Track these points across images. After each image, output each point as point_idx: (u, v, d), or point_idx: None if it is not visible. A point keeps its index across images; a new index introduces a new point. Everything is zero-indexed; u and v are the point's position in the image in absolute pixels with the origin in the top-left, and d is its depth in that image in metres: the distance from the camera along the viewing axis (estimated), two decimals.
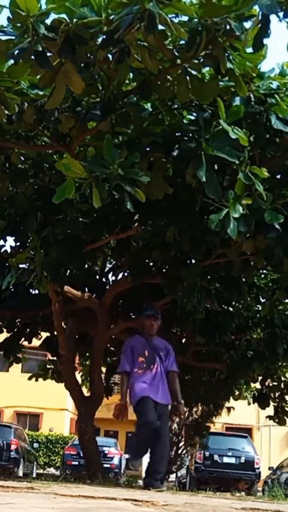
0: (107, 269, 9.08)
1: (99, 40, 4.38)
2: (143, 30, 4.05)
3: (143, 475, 6.23)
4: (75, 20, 4.18)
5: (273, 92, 5.25)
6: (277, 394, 11.14)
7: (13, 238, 7.84)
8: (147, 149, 5.61)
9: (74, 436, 21.12)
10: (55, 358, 10.77)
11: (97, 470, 7.63)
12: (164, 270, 7.80)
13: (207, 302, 7.47)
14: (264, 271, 8.61)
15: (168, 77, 5.01)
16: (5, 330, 9.84)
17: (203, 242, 6.44)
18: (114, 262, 8.85)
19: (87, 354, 10.57)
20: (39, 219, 6.79)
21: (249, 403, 12.46)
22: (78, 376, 10.13)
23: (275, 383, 11.05)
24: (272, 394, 11.12)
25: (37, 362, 14.34)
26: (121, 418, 6.28)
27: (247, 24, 4.22)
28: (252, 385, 11.87)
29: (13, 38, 4.28)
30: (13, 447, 14.96)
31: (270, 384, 11.09)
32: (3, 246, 7.96)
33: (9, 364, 11.06)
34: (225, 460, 15.33)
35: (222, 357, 9.59)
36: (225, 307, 8.82)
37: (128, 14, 3.97)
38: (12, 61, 4.47)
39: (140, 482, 7.69)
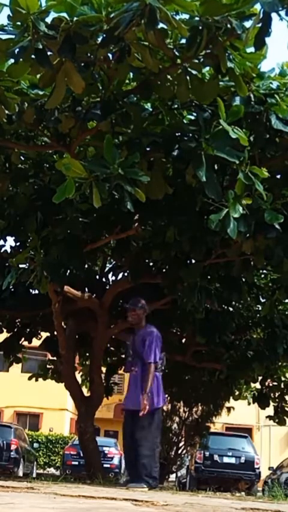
0: (107, 269, 9.08)
1: (100, 39, 4.38)
2: (144, 27, 4.05)
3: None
4: (75, 19, 4.18)
5: (273, 92, 5.25)
6: (277, 394, 11.14)
7: (13, 238, 7.84)
8: (147, 149, 5.61)
9: (74, 436, 21.11)
10: (55, 358, 10.77)
11: (97, 470, 7.63)
12: (164, 270, 7.80)
13: (207, 302, 7.46)
14: (264, 271, 8.62)
15: (169, 76, 5.01)
16: (5, 330, 9.85)
17: (203, 242, 6.43)
18: (114, 262, 8.85)
19: (87, 354, 10.57)
20: (39, 219, 6.79)
21: (249, 403, 12.46)
22: (78, 376, 10.13)
23: (275, 383, 11.05)
24: (272, 394, 11.12)
25: (37, 362, 14.34)
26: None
27: (248, 24, 4.21)
28: (252, 385, 11.87)
29: (13, 36, 4.28)
30: (13, 447, 14.95)
31: (270, 384, 11.09)
32: (3, 246, 7.97)
33: (9, 364, 11.07)
34: (225, 460, 15.31)
35: (222, 357, 9.58)
36: (225, 307, 8.82)
37: (128, 10, 3.97)
38: (12, 60, 4.47)
39: None
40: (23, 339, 10.24)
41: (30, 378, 11.99)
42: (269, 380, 10.99)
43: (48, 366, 11.80)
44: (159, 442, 6.17)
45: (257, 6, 4.06)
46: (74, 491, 4.36)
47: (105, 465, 11.63)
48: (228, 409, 13.82)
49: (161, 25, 4.18)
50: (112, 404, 27.07)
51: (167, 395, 12.72)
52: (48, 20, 4.25)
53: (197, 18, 4.20)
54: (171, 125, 5.62)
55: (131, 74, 5.30)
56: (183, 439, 13.62)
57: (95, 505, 3.50)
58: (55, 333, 9.00)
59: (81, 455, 10.54)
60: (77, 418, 9.39)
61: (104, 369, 10.55)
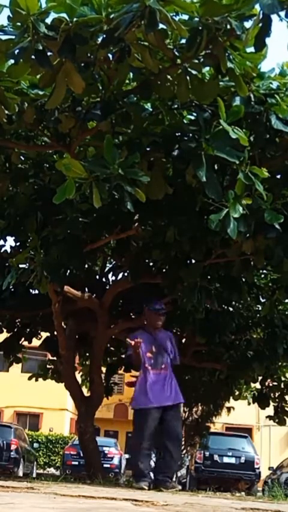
0: (107, 269, 9.07)
1: (100, 39, 4.38)
2: (144, 28, 4.05)
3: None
4: (75, 19, 4.18)
5: (273, 92, 5.24)
6: (277, 394, 11.13)
7: (13, 238, 7.84)
8: (147, 149, 5.61)
9: (74, 436, 21.12)
10: (55, 358, 10.77)
11: (97, 470, 7.63)
12: (164, 270, 7.80)
13: (207, 302, 7.46)
14: (264, 271, 8.61)
15: (169, 76, 5.00)
16: (5, 330, 9.84)
17: (203, 242, 6.43)
18: (114, 262, 8.85)
19: (87, 354, 10.57)
20: (39, 219, 6.79)
21: (249, 403, 12.46)
22: (78, 376, 10.14)
23: (275, 383, 11.04)
24: (272, 394, 11.11)
25: (37, 362, 14.33)
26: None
27: (248, 24, 4.22)
28: (252, 385, 11.87)
29: (13, 37, 4.28)
30: (13, 447, 14.97)
31: (270, 384, 11.08)
32: (3, 246, 7.96)
33: (9, 364, 11.06)
34: (225, 460, 15.34)
35: (222, 357, 9.58)
36: (225, 307, 8.82)
37: (128, 12, 3.97)
38: (12, 61, 4.47)
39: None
40: (23, 339, 10.23)
41: (30, 378, 11.99)
42: (269, 380, 10.98)
43: (48, 366, 11.79)
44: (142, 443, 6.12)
45: (257, 7, 4.06)
46: (74, 491, 4.36)
47: (105, 465, 11.63)
48: (228, 409, 13.83)
49: (161, 26, 4.18)
50: (112, 404, 27.08)
51: None
52: (48, 20, 4.25)
53: (196, 19, 4.20)
54: (171, 125, 5.61)
55: (131, 74, 5.30)
56: (183, 439, 13.62)
57: (95, 505, 3.50)
58: (55, 333, 9.00)
59: (81, 455, 10.54)
60: (77, 418, 9.39)
61: (104, 369, 10.55)
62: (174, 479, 6.07)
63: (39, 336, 10.46)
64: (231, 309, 9.18)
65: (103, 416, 23.82)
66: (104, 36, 4.28)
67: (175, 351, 6.44)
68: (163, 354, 6.32)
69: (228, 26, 4.18)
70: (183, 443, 13.59)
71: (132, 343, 6.06)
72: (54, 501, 3.58)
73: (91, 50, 4.54)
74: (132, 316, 8.74)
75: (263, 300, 9.01)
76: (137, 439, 6.21)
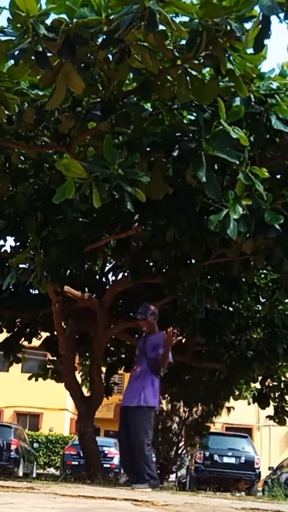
0: (107, 269, 9.08)
1: (100, 40, 4.38)
2: (143, 29, 4.06)
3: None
4: (75, 20, 4.18)
5: (274, 92, 5.25)
6: (277, 394, 11.14)
7: (13, 238, 7.84)
8: (147, 149, 5.61)
9: (74, 436, 21.11)
10: (55, 358, 10.78)
11: (97, 470, 7.63)
12: (164, 270, 7.80)
13: (207, 302, 7.47)
14: (264, 271, 8.62)
15: (169, 77, 5.01)
16: (5, 330, 9.85)
17: (203, 242, 6.44)
18: (114, 262, 8.85)
19: (87, 354, 10.57)
20: (39, 219, 6.80)
21: (249, 403, 12.46)
22: (78, 376, 10.14)
23: (275, 383, 11.05)
24: (272, 394, 11.13)
25: (37, 362, 14.34)
26: None
27: (247, 25, 4.22)
28: (252, 385, 11.87)
29: (13, 38, 4.29)
30: (13, 447, 14.95)
31: (270, 384, 11.09)
32: (3, 246, 7.97)
33: (9, 364, 11.07)
34: (225, 460, 15.31)
35: (222, 357, 9.59)
36: (225, 307, 8.82)
37: (128, 13, 3.98)
38: (12, 61, 4.48)
39: None
40: (23, 339, 10.24)
41: (30, 378, 11.99)
42: (269, 380, 10.99)
43: (48, 366, 11.80)
44: (151, 441, 6.13)
45: (257, 8, 4.07)
46: (74, 491, 4.36)
47: (105, 465, 11.62)
48: (228, 409, 13.81)
49: (160, 27, 4.18)
50: (112, 404, 27.04)
51: (167, 395, 12.74)
52: (48, 21, 4.26)
53: (196, 21, 4.21)
54: (171, 125, 5.62)
55: (131, 74, 5.30)
56: (183, 439, 13.61)
57: (95, 505, 3.50)
58: (55, 333, 9.01)
59: (81, 455, 10.54)
60: (77, 418, 9.39)
61: (104, 369, 10.55)
62: (152, 480, 5.84)
63: (39, 336, 10.47)
64: (231, 309, 9.19)
65: (103, 416, 23.78)
66: (104, 37, 4.28)
67: (152, 349, 6.09)
68: (139, 358, 6.20)
69: (228, 28, 4.18)
70: (182, 443, 13.61)
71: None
72: (54, 501, 3.59)
73: (91, 50, 4.55)
74: (132, 316, 8.74)
75: (263, 300, 9.02)
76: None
